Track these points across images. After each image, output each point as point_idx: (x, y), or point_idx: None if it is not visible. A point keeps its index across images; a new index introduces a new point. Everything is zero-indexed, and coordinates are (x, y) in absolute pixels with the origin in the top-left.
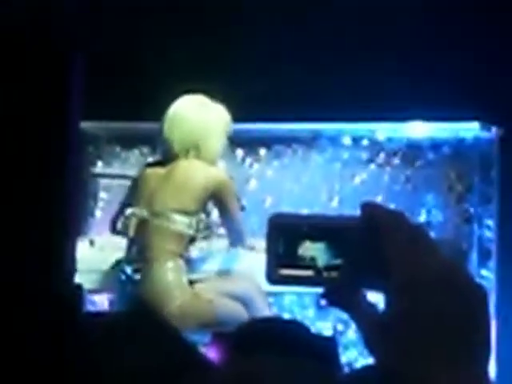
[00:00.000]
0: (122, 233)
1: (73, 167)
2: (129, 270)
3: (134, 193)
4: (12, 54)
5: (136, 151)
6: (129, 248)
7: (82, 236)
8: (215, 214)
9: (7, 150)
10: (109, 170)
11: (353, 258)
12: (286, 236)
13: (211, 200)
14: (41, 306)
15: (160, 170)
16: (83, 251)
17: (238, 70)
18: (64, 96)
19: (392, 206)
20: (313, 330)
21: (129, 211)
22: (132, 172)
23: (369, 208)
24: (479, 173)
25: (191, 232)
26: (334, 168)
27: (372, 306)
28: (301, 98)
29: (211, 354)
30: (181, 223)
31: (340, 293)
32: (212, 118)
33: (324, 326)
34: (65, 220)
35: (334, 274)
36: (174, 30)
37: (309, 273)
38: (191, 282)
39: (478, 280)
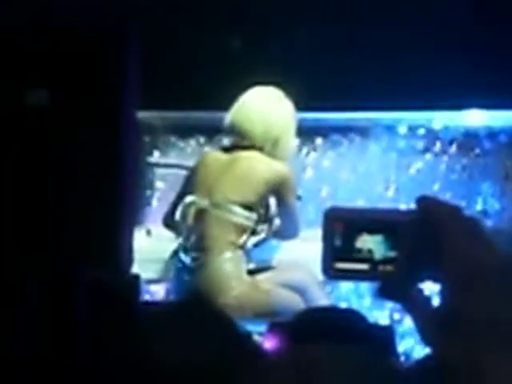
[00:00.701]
0: (177, 224)
1: (129, 157)
2: (186, 259)
3: (194, 181)
4: (69, 45)
5: (192, 141)
6: (187, 237)
7: (139, 226)
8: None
9: (65, 140)
10: (165, 160)
11: (409, 251)
12: (342, 229)
13: (272, 194)
14: (99, 295)
15: (222, 160)
16: (140, 241)
17: (293, 60)
18: (120, 85)
19: (448, 195)
20: (369, 319)
21: (189, 199)
22: (188, 162)
23: (424, 201)
24: None
25: (251, 224)
26: (391, 157)
27: (427, 298)
28: (357, 87)
29: (267, 343)
30: (241, 215)
31: (395, 286)
32: (289, 113)
33: (380, 315)
34: (122, 209)
35: (389, 267)
36: (233, 21)
37: (364, 266)
38: (250, 272)
39: None
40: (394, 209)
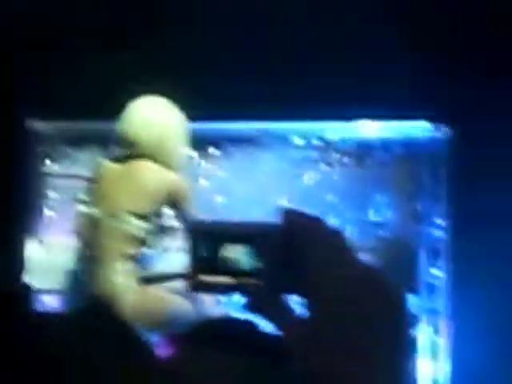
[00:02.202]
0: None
1: (22, 166)
2: (79, 270)
3: (90, 192)
4: None
5: (86, 150)
6: (80, 248)
7: (31, 236)
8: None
9: None
10: (58, 170)
11: (273, 262)
12: (207, 240)
13: (166, 203)
14: None
15: (116, 170)
16: (33, 251)
17: (184, 69)
18: (11, 95)
19: (342, 206)
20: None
21: (83, 210)
22: (82, 171)
23: (287, 214)
24: (429, 172)
25: (144, 235)
26: (284, 167)
27: (292, 311)
28: (250, 98)
29: (163, 353)
30: (134, 226)
31: (261, 299)
32: (176, 121)
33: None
34: (13, 218)
35: (253, 280)
36: (124, 31)
37: (228, 279)
38: (144, 281)
39: (395, 284)
40: (259, 221)
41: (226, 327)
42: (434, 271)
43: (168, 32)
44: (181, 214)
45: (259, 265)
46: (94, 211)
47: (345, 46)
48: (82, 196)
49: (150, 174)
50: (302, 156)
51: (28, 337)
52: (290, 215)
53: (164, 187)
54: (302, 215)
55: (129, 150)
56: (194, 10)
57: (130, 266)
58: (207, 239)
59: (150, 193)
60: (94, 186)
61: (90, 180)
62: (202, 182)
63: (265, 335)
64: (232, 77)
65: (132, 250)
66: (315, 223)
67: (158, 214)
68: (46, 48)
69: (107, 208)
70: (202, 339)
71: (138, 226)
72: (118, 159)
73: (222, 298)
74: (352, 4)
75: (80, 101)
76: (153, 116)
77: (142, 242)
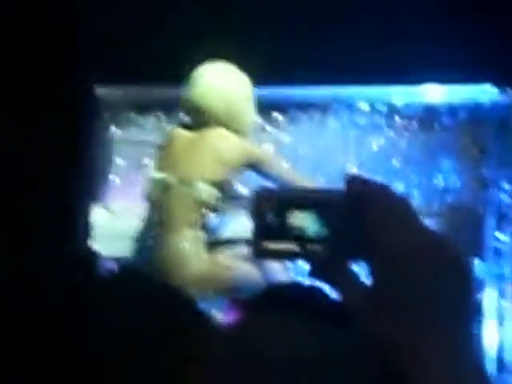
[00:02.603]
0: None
1: (87, 133)
2: (146, 236)
3: (160, 158)
4: (18, 18)
5: (152, 117)
6: (148, 214)
7: (99, 202)
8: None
9: (17, 112)
10: (125, 136)
11: (339, 229)
12: (273, 207)
13: (245, 169)
14: (55, 271)
15: (187, 137)
16: (100, 218)
17: (250, 33)
18: (75, 61)
19: (409, 171)
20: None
21: (154, 175)
22: (148, 137)
23: (353, 181)
24: (496, 137)
25: (214, 202)
26: (351, 133)
27: (357, 279)
28: (316, 63)
29: (226, 318)
30: (206, 193)
31: (326, 266)
32: (248, 88)
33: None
34: (80, 185)
35: (320, 247)
36: None
37: (295, 246)
38: (211, 247)
39: (462, 252)
40: (326, 188)
41: (291, 292)
42: (501, 236)
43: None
44: (266, 177)
45: (325, 231)
46: (163, 177)
47: (409, 9)
48: (151, 162)
49: (223, 141)
50: (367, 121)
51: (90, 303)
52: (356, 181)
53: (239, 154)
54: (367, 181)
55: (199, 117)
56: None
57: (197, 232)
58: (273, 206)
59: (224, 160)
60: (164, 153)
61: (157, 146)
62: (267, 147)
63: (331, 301)
64: (297, 42)
65: (201, 217)
66: (381, 189)
67: (229, 181)
68: (110, 12)
69: (177, 174)
70: (268, 304)
71: (209, 193)
72: (187, 126)
73: (289, 265)
74: None
75: (145, 66)
76: (221, 82)
77: (212, 209)
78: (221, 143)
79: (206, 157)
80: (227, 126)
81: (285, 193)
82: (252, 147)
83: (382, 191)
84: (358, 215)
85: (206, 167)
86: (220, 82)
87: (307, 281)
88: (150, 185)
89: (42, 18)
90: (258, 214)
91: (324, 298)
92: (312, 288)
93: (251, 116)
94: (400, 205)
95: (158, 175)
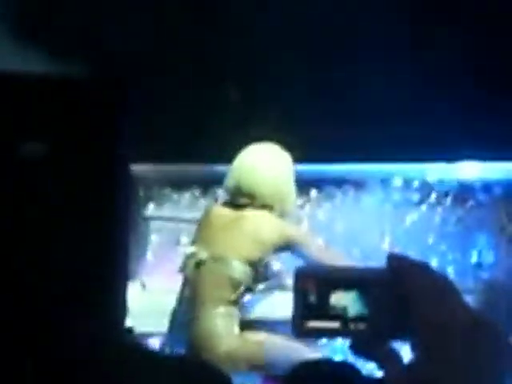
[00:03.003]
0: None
1: (123, 210)
2: (182, 312)
3: (197, 233)
4: (64, 96)
5: (187, 193)
6: (182, 290)
7: (134, 279)
8: (276, 265)
9: (56, 191)
10: (160, 213)
11: (380, 308)
12: (316, 286)
13: (282, 250)
14: (91, 350)
15: (227, 215)
16: (134, 294)
17: (287, 112)
18: (115, 137)
19: (443, 247)
20: (364, 371)
21: (189, 250)
22: (184, 214)
23: (393, 259)
24: None
25: (248, 281)
26: (385, 209)
27: (398, 356)
28: (351, 139)
29: None
30: (239, 271)
31: (367, 344)
32: (291, 169)
33: (375, 368)
34: (116, 262)
35: (361, 325)
36: (228, 74)
37: (336, 324)
38: (244, 325)
39: (502, 328)
40: (366, 266)
41: (324, 368)
42: None
43: (274, 76)
44: (301, 256)
45: (366, 309)
46: (197, 252)
47: (445, 86)
48: (186, 238)
49: (264, 223)
50: (401, 197)
51: (122, 379)
52: (397, 260)
53: (278, 236)
54: (408, 260)
55: (242, 199)
56: (296, 58)
57: (230, 309)
58: (315, 285)
59: (262, 240)
60: (201, 228)
61: (194, 222)
62: (305, 224)
63: (363, 377)
64: (332, 120)
65: (233, 295)
66: (422, 267)
67: (264, 261)
68: (147, 92)
69: (212, 250)
70: (302, 381)
71: (243, 271)
72: (228, 204)
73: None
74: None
75: (181, 143)
76: (268, 167)
77: (246, 288)
78: (261, 225)
79: (244, 236)
80: (270, 208)
81: (326, 272)
82: (291, 229)
83: (423, 269)
84: (399, 293)
85: (242, 246)
86: (266, 165)
87: (341, 358)
88: (185, 260)
89: (83, 96)
90: (300, 292)
91: (356, 375)
92: (344, 364)
93: (294, 197)
94: (441, 282)
95: (192, 250)
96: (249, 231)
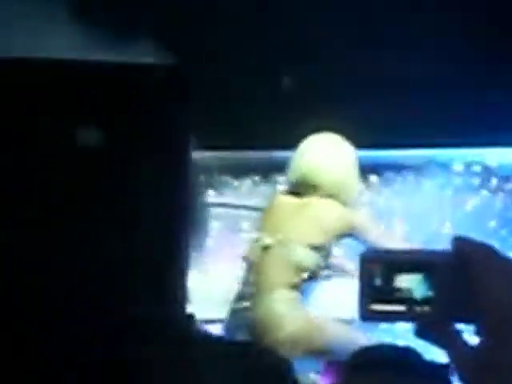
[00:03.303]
0: (244, 261)
1: (185, 196)
2: (244, 297)
3: (262, 220)
4: (122, 83)
5: (247, 180)
6: (246, 275)
7: (194, 265)
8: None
9: (119, 182)
10: (221, 199)
11: (445, 291)
12: (381, 270)
13: (346, 237)
14: (152, 335)
15: (292, 202)
16: (195, 280)
17: (346, 98)
18: (177, 125)
19: (504, 232)
20: (426, 356)
21: (255, 236)
22: (244, 201)
23: (459, 242)
24: None
25: (312, 266)
26: (446, 194)
27: (463, 339)
28: (411, 124)
29: (324, 381)
30: (304, 256)
31: (432, 327)
32: (354, 159)
33: (438, 352)
34: (178, 248)
35: (426, 308)
36: (286, 59)
37: (402, 307)
38: (308, 310)
39: None
40: (430, 249)
41: (386, 353)
42: None
43: (331, 62)
44: (364, 243)
45: (431, 293)
46: (263, 238)
47: (505, 72)
48: (247, 225)
49: (329, 210)
50: (462, 182)
51: (180, 363)
52: (463, 242)
53: (342, 223)
54: (474, 242)
55: (306, 188)
56: (354, 41)
57: (294, 294)
58: (380, 268)
59: (326, 227)
60: (266, 216)
61: (254, 209)
62: (365, 210)
63: (425, 361)
64: (392, 106)
65: (298, 279)
66: (487, 250)
67: (328, 247)
68: (210, 80)
69: (277, 236)
70: (364, 366)
71: (308, 256)
72: (292, 193)
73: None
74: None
75: (241, 131)
76: (332, 157)
77: (310, 273)
78: (326, 212)
79: (308, 222)
80: (335, 197)
81: (391, 255)
82: (354, 216)
83: (489, 252)
84: (464, 276)
85: (307, 232)
86: (330, 157)
87: (404, 342)
88: (250, 246)
89: (145, 83)
90: (365, 276)
91: (419, 359)
92: (407, 349)
93: (357, 185)
94: (507, 265)
95: (258, 236)
96: (313, 218)
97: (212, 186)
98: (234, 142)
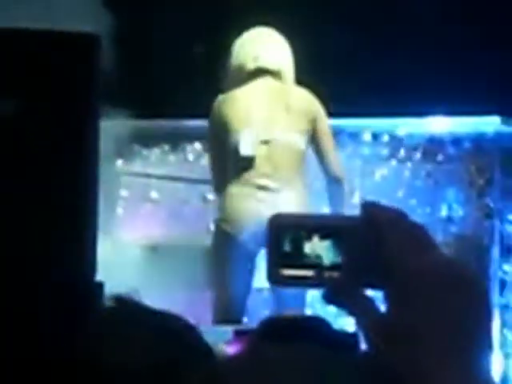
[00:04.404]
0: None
1: (93, 164)
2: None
3: (233, 118)
4: (33, 50)
5: (156, 149)
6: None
7: (104, 233)
8: None
9: (29, 147)
10: (130, 168)
11: (355, 256)
12: (290, 234)
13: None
14: (59, 300)
15: (254, 92)
16: (105, 250)
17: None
18: (85, 93)
19: (413, 202)
20: (335, 325)
21: (250, 132)
22: (153, 170)
23: (368, 207)
24: (500, 167)
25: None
26: (355, 164)
27: (372, 304)
28: (321, 94)
29: (231, 349)
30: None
31: (340, 291)
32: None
33: (346, 322)
34: (86, 216)
35: (335, 273)
36: (195, 31)
37: (311, 273)
38: None
39: (480, 276)
40: (340, 215)
41: (295, 323)
42: (506, 267)
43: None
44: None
45: (341, 258)
46: (261, 133)
47: (413, 43)
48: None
49: (295, 92)
50: (370, 152)
51: (96, 337)
52: (372, 208)
53: (314, 110)
54: (383, 208)
55: (258, 74)
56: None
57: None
58: (288, 232)
59: (304, 113)
60: (242, 112)
61: (163, 178)
62: None
63: (337, 331)
64: (305, 75)
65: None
66: (397, 215)
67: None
68: (121, 50)
69: (275, 129)
70: (271, 335)
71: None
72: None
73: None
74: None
75: (149, 99)
76: (279, 37)
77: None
78: (300, 96)
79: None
80: (284, 79)
81: (301, 219)
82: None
83: (397, 217)
84: (373, 241)
85: (293, 121)
86: (275, 40)
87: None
88: (244, 142)
89: (56, 50)
90: (274, 240)
91: (327, 328)
92: (315, 318)
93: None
94: (416, 230)
95: (253, 132)
96: (289, 104)
97: (121, 155)
98: (143, 110)
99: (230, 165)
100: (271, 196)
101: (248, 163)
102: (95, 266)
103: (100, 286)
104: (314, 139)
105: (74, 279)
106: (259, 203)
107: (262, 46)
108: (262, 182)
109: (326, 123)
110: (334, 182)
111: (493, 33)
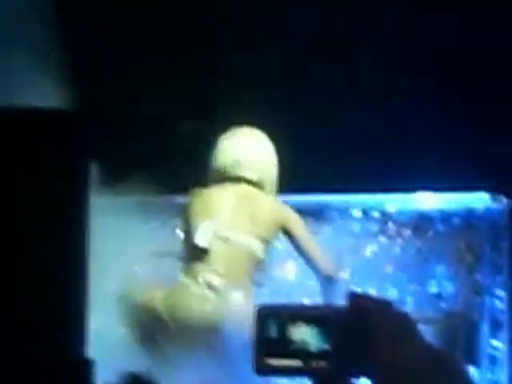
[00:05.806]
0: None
1: (81, 240)
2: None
3: (195, 210)
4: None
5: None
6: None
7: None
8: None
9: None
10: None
11: (342, 345)
12: (276, 323)
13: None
14: (47, 376)
15: (225, 194)
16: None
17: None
18: (68, 169)
19: (403, 278)
20: None
21: (208, 225)
22: None
23: (356, 297)
24: (489, 243)
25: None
26: (344, 240)
27: None
28: (310, 171)
29: None
30: (258, 249)
31: (329, 381)
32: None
33: None
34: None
35: (322, 363)
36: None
37: (298, 362)
38: None
39: (466, 368)
40: (327, 304)
41: None
42: (496, 343)
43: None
44: (294, 241)
45: (327, 347)
46: (219, 229)
47: (403, 119)
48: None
49: (266, 203)
50: (360, 228)
51: None
52: (358, 298)
53: (278, 216)
54: (370, 298)
55: (234, 179)
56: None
57: (249, 287)
58: (275, 321)
59: (269, 220)
60: (197, 206)
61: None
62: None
63: None
64: (292, 150)
65: (253, 272)
66: (383, 306)
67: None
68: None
69: (233, 228)
70: None
71: (261, 250)
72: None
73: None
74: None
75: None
76: (262, 147)
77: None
78: (265, 204)
79: (254, 215)
80: (260, 186)
81: (287, 309)
82: (287, 210)
83: (384, 308)
84: (360, 331)
85: (257, 225)
86: (256, 147)
87: None
88: (201, 233)
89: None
90: (260, 329)
91: None
92: None
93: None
94: (401, 321)
95: (211, 226)
96: (255, 210)
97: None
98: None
99: (186, 254)
100: (217, 296)
101: (202, 255)
102: (86, 342)
103: (89, 362)
104: (293, 245)
105: (61, 356)
106: (204, 302)
107: (244, 152)
108: (212, 279)
109: (300, 226)
110: (326, 281)
111: (482, 110)
